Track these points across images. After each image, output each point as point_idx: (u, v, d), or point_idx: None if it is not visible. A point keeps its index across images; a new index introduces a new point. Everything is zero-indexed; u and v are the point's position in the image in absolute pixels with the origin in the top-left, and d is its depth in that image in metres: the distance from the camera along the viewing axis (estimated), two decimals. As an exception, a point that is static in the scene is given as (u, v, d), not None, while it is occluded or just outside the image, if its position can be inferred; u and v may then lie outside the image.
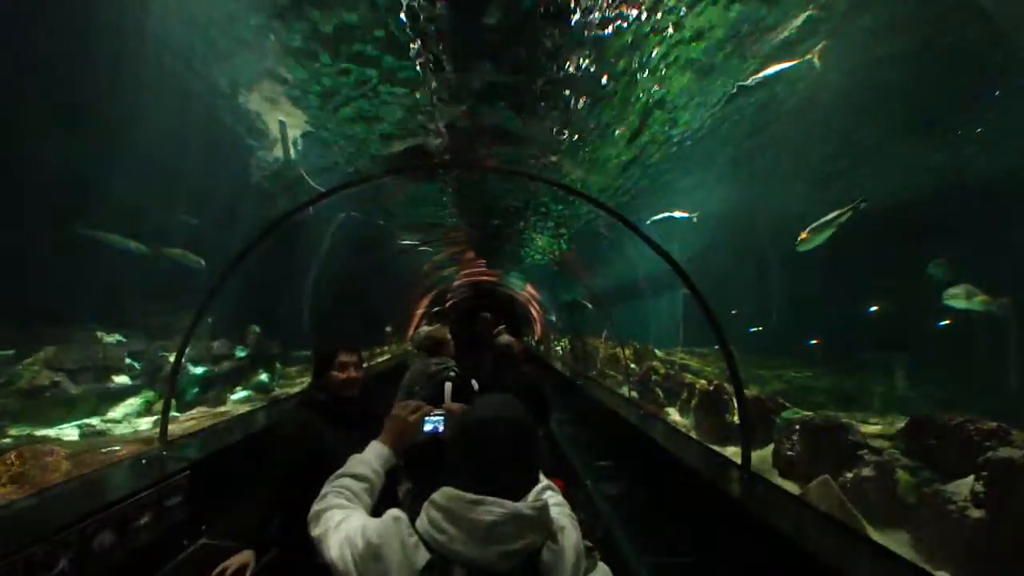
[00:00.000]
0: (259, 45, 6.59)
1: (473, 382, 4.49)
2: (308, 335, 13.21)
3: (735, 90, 7.86)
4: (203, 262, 10.61)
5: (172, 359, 5.13)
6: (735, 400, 4.91)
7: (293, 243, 10.99)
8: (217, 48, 6.91)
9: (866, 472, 5.89)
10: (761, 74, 7.55)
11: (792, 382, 12.97)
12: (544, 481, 1.67)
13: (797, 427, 7.12)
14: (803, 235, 9.11)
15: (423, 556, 1.32)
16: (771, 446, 7.57)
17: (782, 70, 7.44)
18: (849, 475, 6.04)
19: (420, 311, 19.95)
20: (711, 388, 10.02)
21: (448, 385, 4.00)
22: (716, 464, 4.78)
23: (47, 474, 5.65)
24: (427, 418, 2.20)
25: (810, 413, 8.09)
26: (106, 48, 7.33)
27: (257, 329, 12.67)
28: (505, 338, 7.11)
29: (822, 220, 8.85)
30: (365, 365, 3.49)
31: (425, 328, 5.18)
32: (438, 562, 1.31)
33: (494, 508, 1.31)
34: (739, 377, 4.55)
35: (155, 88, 7.84)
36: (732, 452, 5.24)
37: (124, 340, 9.88)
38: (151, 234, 10.01)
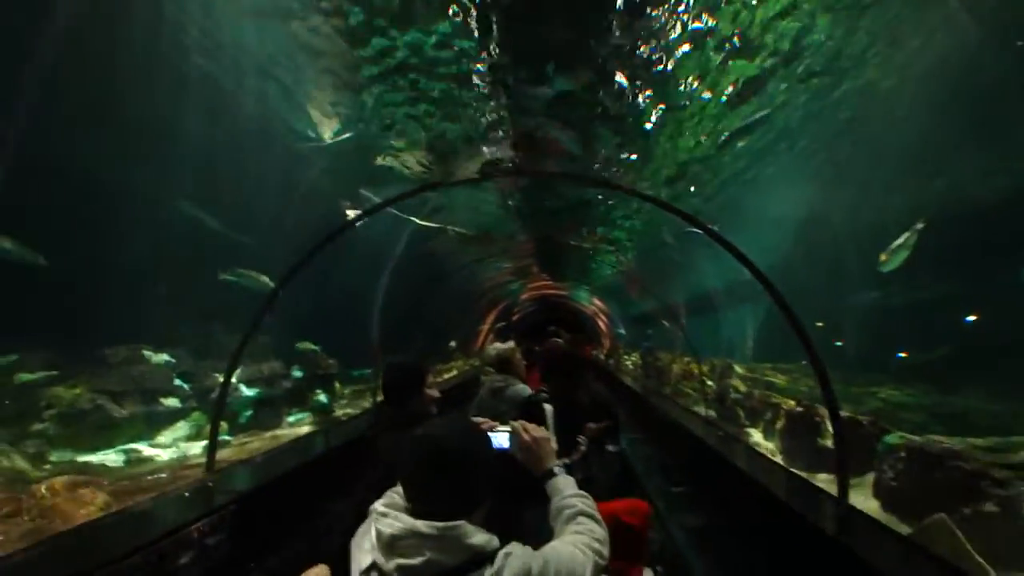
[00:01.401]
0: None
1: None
2: (375, 352, 13.16)
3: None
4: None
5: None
6: (829, 422, 4.30)
7: (359, 258, 11.01)
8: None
9: (989, 508, 5.08)
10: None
11: (888, 400, 11.83)
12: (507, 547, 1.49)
13: (902, 453, 6.31)
14: (883, 256, 9.68)
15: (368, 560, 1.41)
16: (871, 475, 6.77)
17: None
18: (968, 511, 5.24)
19: (486, 327, 19.78)
20: (800, 408, 9.23)
21: (549, 408, 3.70)
22: (807, 495, 4.18)
23: (80, 508, 5.37)
24: (491, 433, 2.08)
25: (916, 437, 7.20)
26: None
27: (315, 347, 12.43)
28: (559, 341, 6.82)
29: (897, 242, 9.46)
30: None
31: (497, 345, 4.91)
32: (372, 567, 1.39)
33: (394, 522, 1.38)
34: (833, 396, 3.96)
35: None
36: (825, 481, 4.63)
37: (173, 360, 9.60)
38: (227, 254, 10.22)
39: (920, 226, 9.33)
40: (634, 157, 9.20)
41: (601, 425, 4.10)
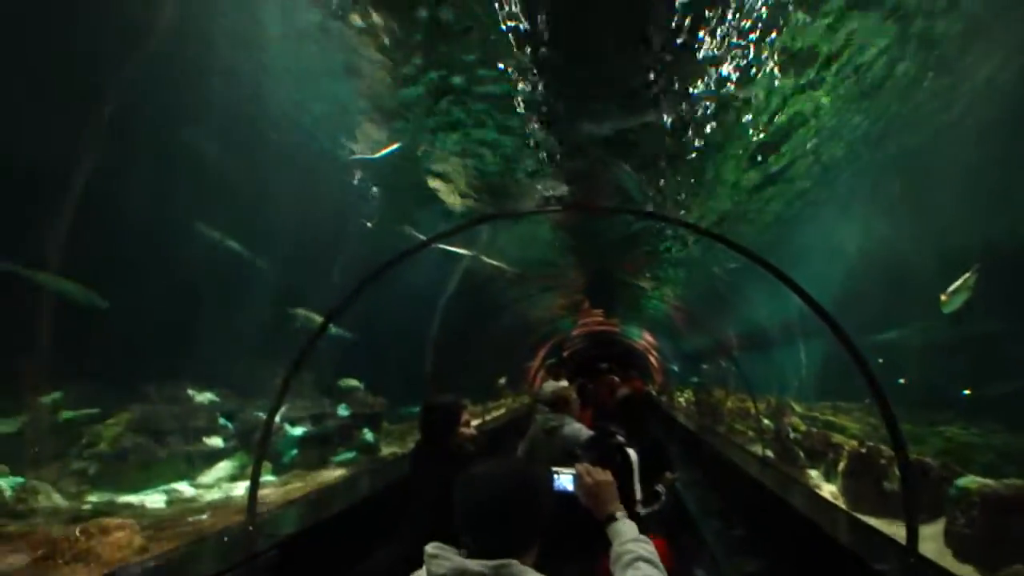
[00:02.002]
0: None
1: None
2: (427, 389, 13.14)
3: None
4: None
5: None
6: (895, 464, 4.14)
7: (409, 294, 11.17)
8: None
9: (1075, 559, 4.76)
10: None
11: (954, 439, 11.19)
12: None
13: (976, 499, 5.96)
14: (943, 298, 9.61)
15: None
16: (941, 521, 6.40)
17: None
18: (1051, 562, 4.91)
19: (537, 362, 19.73)
20: (863, 450, 8.86)
21: (634, 455, 3.63)
22: (873, 542, 4.01)
23: (116, 551, 5.21)
24: (556, 475, 2.15)
25: (991, 481, 6.81)
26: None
27: (359, 384, 12.26)
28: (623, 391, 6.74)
29: (956, 284, 9.45)
30: (479, 421, 3.40)
31: (552, 384, 4.99)
32: None
33: (443, 562, 1.37)
34: (900, 436, 3.80)
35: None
36: (892, 527, 4.42)
37: (217, 399, 9.53)
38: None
39: (977, 267, 9.23)
40: (686, 192, 9.21)
41: (675, 476, 4.06)
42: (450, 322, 12.18)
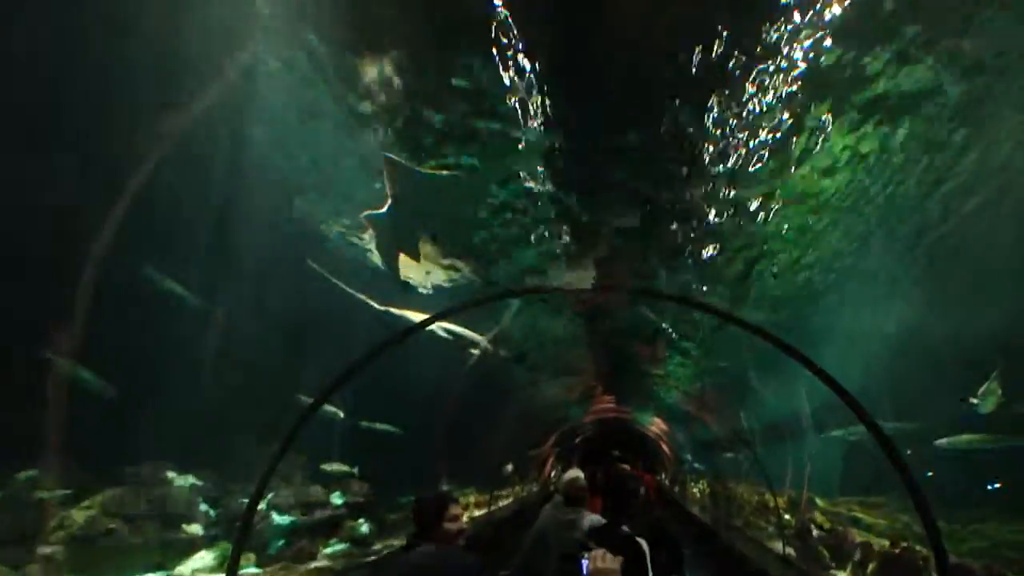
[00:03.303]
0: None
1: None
2: (435, 477, 12.59)
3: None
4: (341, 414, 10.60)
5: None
6: (936, 568, 3.72)
7: (412, 379, 10.92)
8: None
9: None
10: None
11: (995, 538, 10.44)
12: None
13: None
14: (974, 400, 9.73)
15: None
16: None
17: None
18: None
19: (546, 449, 19.17)
20: (897, 550, 8.26)
21: (645, 546, 3.59)
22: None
23: None
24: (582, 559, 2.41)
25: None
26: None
27: (351, 469, 11.57)
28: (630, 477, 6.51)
29: (984, 387, 9.56)
30: (485, 511, 3.43)
31: (571, 474, 4.92)
32: None
33: None
34: (938, 535, 3.43)
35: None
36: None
37: (199, 483, 8.93)
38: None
39: (997, 371, 9.48)
40: (709, 280, 9.20)
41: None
42: (455, 407, 11.88)
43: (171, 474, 8.63)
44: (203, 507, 8.78)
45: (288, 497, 9.77)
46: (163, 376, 8.60)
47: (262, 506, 8.42)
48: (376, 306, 10.28)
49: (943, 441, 10.84)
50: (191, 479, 8.82)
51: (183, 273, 8.62)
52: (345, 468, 11.46)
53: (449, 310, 5.02)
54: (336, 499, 10.78)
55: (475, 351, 11.53)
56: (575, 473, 4.97)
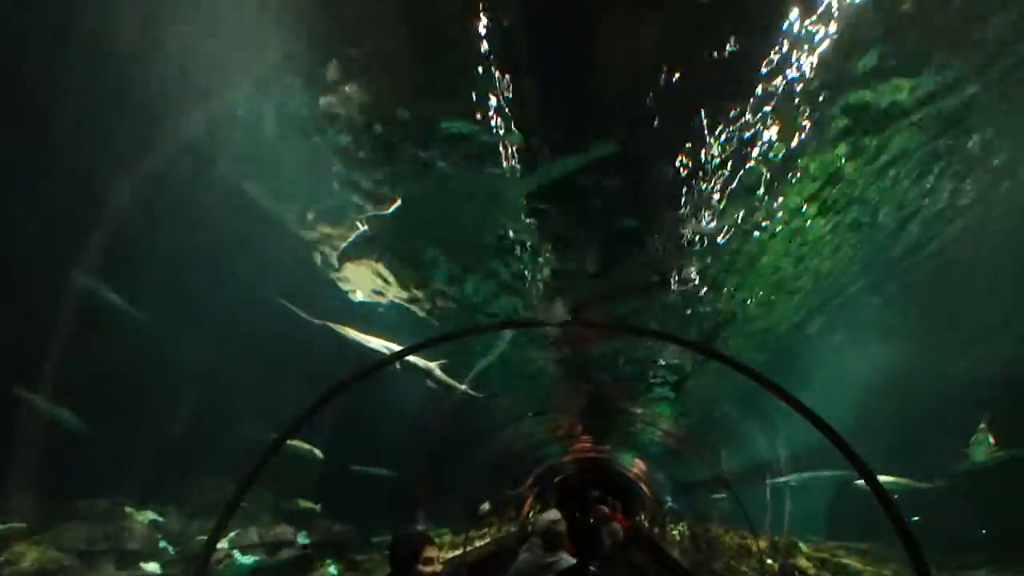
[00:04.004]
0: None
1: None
2: (415, 515, 12.11)
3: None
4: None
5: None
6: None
7: (388, 412, 10.64)
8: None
9: None
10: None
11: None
12: None
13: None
14: (966, 451, 10.06)
15: None
16: None
17: None
18: None
19: (524, 489, 18.82)
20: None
21: None
22: None
23: None
24: None
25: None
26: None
27: (314, 505, 11.13)
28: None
29: (975, 438, 9.87)
30: (460, 551, 3.39)
31: (551, 515, 4.91)
32: None
33: None
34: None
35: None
36: None
37: (160, 519, 8.58)
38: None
39: (984, 422, 9.78)
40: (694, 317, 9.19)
41: None
42: (431, 445, 11.60)
43: (129, 509, 8.27)
44: (162, 544, 8.37)
45: (252, 536, 9.35)
46: (123, 406, 8.28)
47: (224, 545, 7.97)
48: (350, 336, 9.97)
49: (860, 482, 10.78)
50: (150, 514, 8.48)
51: (140, 302, 8.29)
52: (308, 504, 11.09)
53: (421, 344, 4.77)
54: (302, 539, 10.36)
55: (448, 388, 11.28)
56: (554, 515, 4.90)
